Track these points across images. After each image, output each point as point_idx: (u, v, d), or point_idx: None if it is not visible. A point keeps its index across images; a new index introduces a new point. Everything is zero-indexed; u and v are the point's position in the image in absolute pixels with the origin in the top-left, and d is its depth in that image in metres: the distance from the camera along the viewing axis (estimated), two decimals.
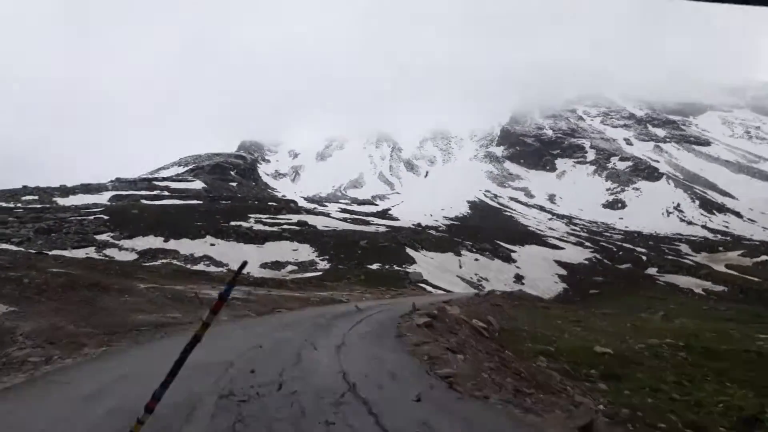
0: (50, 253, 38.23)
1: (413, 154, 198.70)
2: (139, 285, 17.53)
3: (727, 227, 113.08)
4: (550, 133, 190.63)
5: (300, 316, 14.52)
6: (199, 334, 2.11)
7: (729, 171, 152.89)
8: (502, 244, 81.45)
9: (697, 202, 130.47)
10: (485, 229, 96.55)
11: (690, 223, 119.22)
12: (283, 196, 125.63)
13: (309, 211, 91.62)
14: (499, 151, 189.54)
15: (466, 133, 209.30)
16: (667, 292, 60.57)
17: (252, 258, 59.26)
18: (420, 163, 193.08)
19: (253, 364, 7.25)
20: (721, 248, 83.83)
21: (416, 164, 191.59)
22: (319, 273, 57.22)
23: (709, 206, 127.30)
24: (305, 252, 65.84)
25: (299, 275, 56.41)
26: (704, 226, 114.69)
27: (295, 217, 79.08)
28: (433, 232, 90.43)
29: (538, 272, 71.40)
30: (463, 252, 74.52)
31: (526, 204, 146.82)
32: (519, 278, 68.21)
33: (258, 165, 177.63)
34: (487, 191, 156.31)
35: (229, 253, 61.43)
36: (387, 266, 61.61)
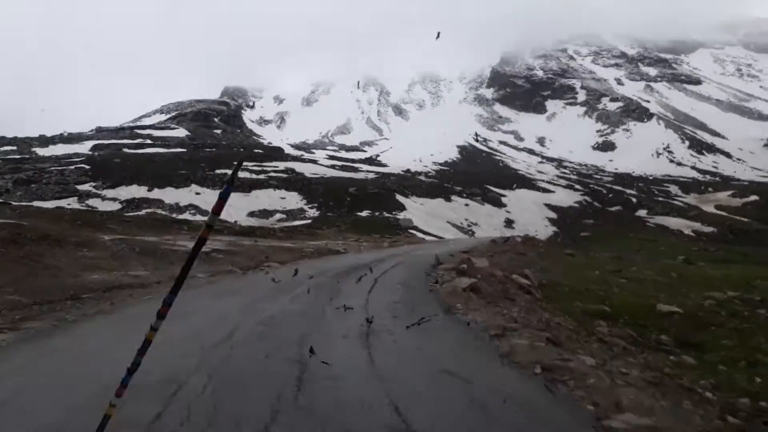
0: (26, 204, 36.86)
1: (401, 98, 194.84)
2: (103, 237, 15.67)
3: (716, 167, 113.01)
4: (540, 73, 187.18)
5: (293, 277, 11.52)
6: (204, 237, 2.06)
7: (719, 110, 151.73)
8: (492, 188, 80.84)
9: (687, 142, 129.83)
10: (475, 174, 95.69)
11: (680, 164, 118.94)
12: (269, 143, 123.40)
13: (296, 158, 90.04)
14: (489, 93, 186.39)
15: (456, 75, 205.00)
16: (657, 234, 60.67)
17: (238, 207, 58.17)
18: (409, 107, 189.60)
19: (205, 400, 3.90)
20: (710, 189, 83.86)
21: (405, 108, 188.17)
22: (309, 221, 56.46)
23: (698, 146, 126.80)
24: (293, 200, 64.87)
25: (288, 223, 55.57)
26: (694, 167, 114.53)
27: (281, 165, 77.58)
28: (422, 177, 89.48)
29: (529, 216, 71.16)
30: (453, 197, 73.91)
31: (515, 147, 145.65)
32: (509, 223, 68.00)
33: (242, 111, 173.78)
34: (477, 135, 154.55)
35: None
36: (377, 213, 60.94)
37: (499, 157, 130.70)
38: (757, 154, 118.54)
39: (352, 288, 9.96)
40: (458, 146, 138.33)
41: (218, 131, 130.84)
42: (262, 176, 70.90)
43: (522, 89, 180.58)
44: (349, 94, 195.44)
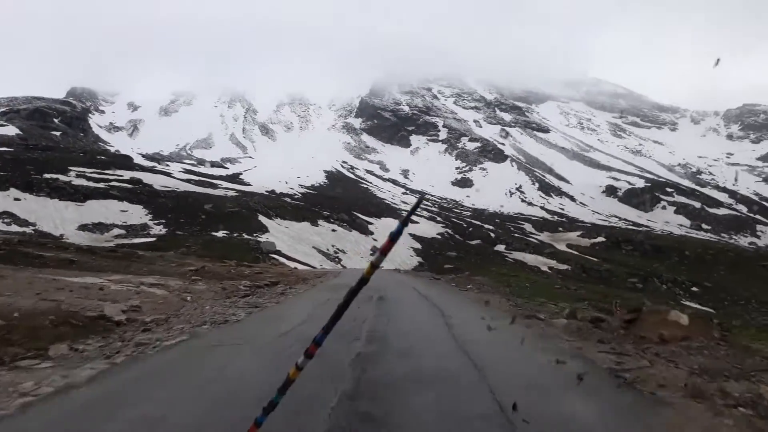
0: None
1: (269, 118, 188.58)
2: None
3: (562, 209, 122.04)
4: (406, 109, 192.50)
5: None
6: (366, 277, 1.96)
7: (565, 157, 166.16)
8: (359, 215, 78.57)
9: (537, 184, 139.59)
10: (343, 200, 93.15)
11: (530, 203, 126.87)
12: (117, 151, 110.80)
13: (145, 169, 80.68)
14: (357, 122, 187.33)
15: (326, 102, 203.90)
16: (517, 269, 61.84)
17: (67, 218, 49.39)
18: (276, 127, 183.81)
19: None
20: (561, 228, 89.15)
21: (272, 128, 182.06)
22: (153, 239, 49.25)
23: (547, 189, 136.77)
24: (137, 214, 56.91)
25: (127, 240, 48.01)
26: (543, 207, 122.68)
27: (127, 174, 68.51)
28: (288, 200, 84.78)
29: (395, 246, 69.39)
30: (320, 222, 70.16)
31: (381, 177, 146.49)
32: (375, 250, 65.59)
33: (90, 115, 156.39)
34: (344, 162, 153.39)
35: (39, 210, 50.78)
36: (236, 234, 55.19)
37: (365, 185, 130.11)
38: (597, 199, 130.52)
39: None
40: (326, 171, 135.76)
41: (57, 133, 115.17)
42: (101, 185, 61.74)
43: (389, 122, 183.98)
44: (213, 108, 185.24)
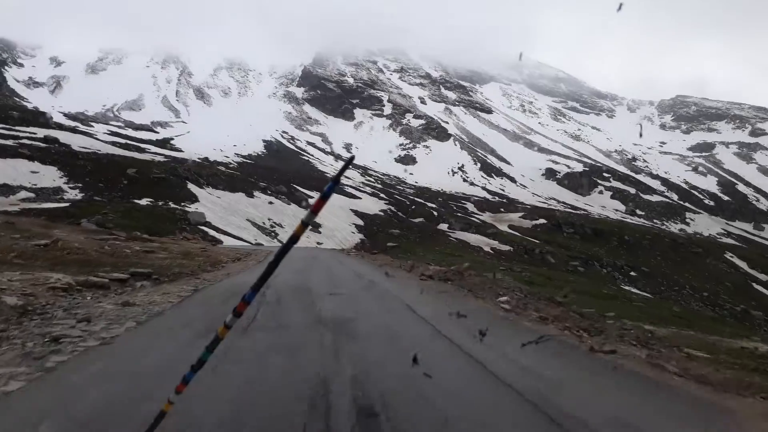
0: None
1: (205, 82, 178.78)
2: None
3: (503, 190, 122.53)
4: (351, 81, 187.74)
5: None
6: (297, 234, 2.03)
7: (506, 138, 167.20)
8: (298, 188, 75.17)
9: (479, 164, 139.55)
10: (281, 171, 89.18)
11: (472, 183, 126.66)
12: (35, 107, 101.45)
13: (64, 128, 73.67)
14: (299, 92, 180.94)
15: (266, 69, 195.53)
16: (461, 249, 60.64)
17: None
18: (212, 92, 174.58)
19: None
20: (502, 209, 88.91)
21: (208, 93, 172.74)
22: (66, 204, 44.42)
23: (488, 169, 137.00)
24: (50, 176, 51.38)
25: (35, 205, 43.01)
26: (484, 188, 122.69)
27: (42, 132, 61.93)
28: (222, 168, 79.98)
29: (336, 221, 66.74)
30: (256, 194, 66.29)
31: (323, 150, 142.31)
32: (316, 226, 62.63)
33: (6, 68, 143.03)
34: (284, 132, 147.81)
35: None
36: (161, 203, 50.81)
37: (306, 158, 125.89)
38: (537, 181, 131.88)
39: None
40: (264, 141, 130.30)
41: None
42: (10, 142, 55.40)
43: (333, 93, 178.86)
44: (145, 68, 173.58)
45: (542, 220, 76.45)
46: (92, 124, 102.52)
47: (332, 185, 1.88)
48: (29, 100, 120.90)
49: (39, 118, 73.08)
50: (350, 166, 1.96)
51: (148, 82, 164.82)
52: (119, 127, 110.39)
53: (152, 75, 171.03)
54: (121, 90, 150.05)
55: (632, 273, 61.27)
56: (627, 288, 51.72)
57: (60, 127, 73.19)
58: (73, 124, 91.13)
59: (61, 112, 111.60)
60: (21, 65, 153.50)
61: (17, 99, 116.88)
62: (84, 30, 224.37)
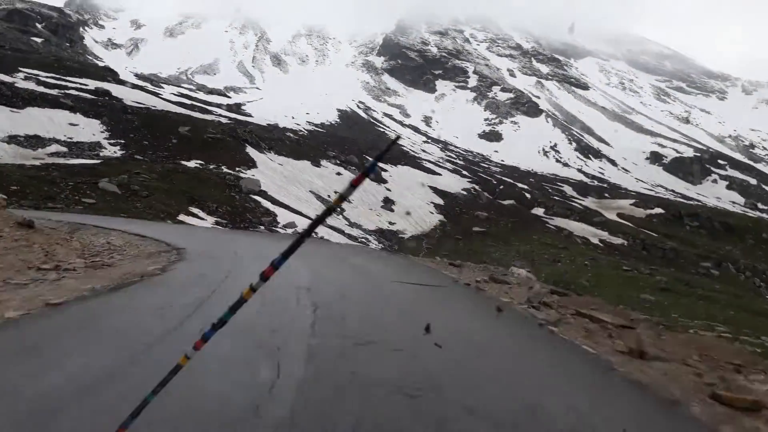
0: None
1: (283, 49, 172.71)
2: None
3: (602, 174, 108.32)
4: (434, 50, 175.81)
5: None
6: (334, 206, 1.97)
7: (605, 117, 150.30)
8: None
9: (574, 144, 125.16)
10: (354, 141, 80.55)
11: (566, 164, 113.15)
12: (105, 65, 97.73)
13: (120, 82, 67.87)
14: (379, 61, 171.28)
15: (346, 37, 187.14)
16: (563, 239, 49.66)
17: None
18: (289, 59, 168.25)
19: None
20: (607, 195, 76.12)
21: (285, 60, 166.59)
22: (99, 161, 37.34)
23: (585, 150, 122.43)
24: (90, 130, 44.64)
25: (63, 160, 36.14)
26: (580, 170, 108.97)
27: (92, 83, 55.95)
28: (290, 134, 72.14)
29: (412, 198, 57.16)
30: (323, 163, 57.84)
31: (401, 123, 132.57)
32: (388, 202, 53.45)
33: (87, 28, 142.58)
34: (360, 102, 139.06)
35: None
36: (213, 165, 43.20)
37: (382, 129, 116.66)
38: (640, 165, 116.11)
39: None
40: (339, 110, 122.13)
41: (38, 39, 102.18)
42: (54, 91, 49.36)
43: (414, 63, 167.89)
44: (223, 33, 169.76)
45: (659, 210, 63.38)
46: (162, 85, 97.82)
47: (374, 163, 1.78)
48: (105, 60, 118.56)
49: (96, 71, 67.65)
50: (394, 145, 1.83)
51: (225, 47, 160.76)
52: (190, 90, 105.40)
53: (230, 40, 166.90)
54: (197, 54, 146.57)
55: None
56: None
57: (117, 81, 67.47)
58: (140, 83, 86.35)
59: (134, 73, 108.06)
60: (102, 27, 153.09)
61: (91, 57, 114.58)
62: None
